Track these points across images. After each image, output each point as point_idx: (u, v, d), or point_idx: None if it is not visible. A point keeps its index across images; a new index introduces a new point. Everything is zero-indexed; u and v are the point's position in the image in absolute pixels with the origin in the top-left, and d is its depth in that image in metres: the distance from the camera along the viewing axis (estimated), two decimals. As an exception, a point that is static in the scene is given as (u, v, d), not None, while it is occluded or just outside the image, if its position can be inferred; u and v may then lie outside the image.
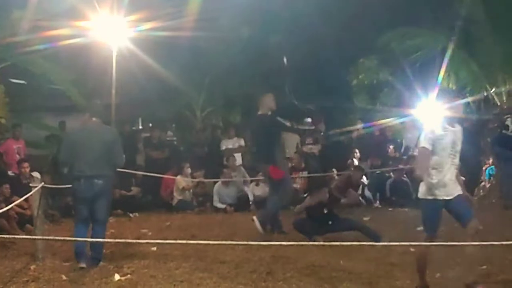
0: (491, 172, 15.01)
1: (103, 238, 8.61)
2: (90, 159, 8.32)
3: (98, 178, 8.30)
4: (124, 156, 9.01)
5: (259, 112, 10.77)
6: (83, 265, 8.05)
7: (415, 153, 16.84)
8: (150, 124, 19.76)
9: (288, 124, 11.76)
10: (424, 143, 6.42)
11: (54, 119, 18.79)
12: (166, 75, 16.72)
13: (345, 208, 10.92)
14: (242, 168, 16.18)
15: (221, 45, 17.68)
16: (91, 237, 8.35)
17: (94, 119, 8.69)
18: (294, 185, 15.30)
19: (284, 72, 19.13)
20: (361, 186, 14.51)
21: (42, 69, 15.77)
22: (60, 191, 12.43)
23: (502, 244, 7.01)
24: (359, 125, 18.20)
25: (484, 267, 7.54)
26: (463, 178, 15.01)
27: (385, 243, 8.78)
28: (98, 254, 8.34)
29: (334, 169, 15.26)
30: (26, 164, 13.16)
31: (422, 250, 6.67)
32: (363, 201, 14.42)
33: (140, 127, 21.21)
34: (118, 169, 9.17)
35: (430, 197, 6.42)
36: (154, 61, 16.08)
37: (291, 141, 17.04)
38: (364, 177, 14.77)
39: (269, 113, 10.72)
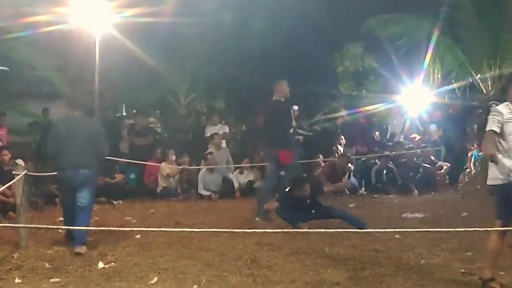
0: (476, 159, 15.08)
1: (88, 223, 8.74)
2: (75, 150, 8.53)
3: (84, 168, 8.54)
4: (107, 145, 9.15)
5: (274, 98, 11.10)
6: (80, 250, 8.15)
7: (401, 139, 16.97)
8: (134, 111, 19.69)
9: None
10: (492, 126, 6.23)
11: (37, 106, 18.70)
12: (150, 61, 16.68)
13: (330, 194, 10.94)
14: (227, 150, 16.18)
15: (203, 30, 17.62)
16: (76, 223, 8.41)
17: (75, 112, 8.95)
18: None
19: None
20: (347, 173, 14.58)
21: (25, 55, 15.72)
22: (43, 179, 12.39)
23: (486, 230, 7.07)
24: (344, 112, 18.23)
25: (469, 253, 7.59)
26: (448, 164, 15.20)
27: (370, 230, 8.82)
28: (82, 238, 8.40)
29: (319, 156, 15.30)
30: (5, 152, 13.06)
31: (496, 239, 6.32)
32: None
33: (124, 113, 21.12)
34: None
35: (506, 182, 6.13)
36: (137, 47, 16.03)
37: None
38: (349, 164, 14.83)
39: (283, 99, 11.06)
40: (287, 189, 9.95)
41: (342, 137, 16.59)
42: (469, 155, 15.04)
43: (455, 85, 15.09)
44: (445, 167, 15.54)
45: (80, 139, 8.62)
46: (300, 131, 12.45)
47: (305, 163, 14.42)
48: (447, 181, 15.31)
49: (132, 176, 15.57)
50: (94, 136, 8.81)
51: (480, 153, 14.12)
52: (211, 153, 15.31)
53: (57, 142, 8.64)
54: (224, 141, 16.34)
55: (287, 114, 11.01)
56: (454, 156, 15.29)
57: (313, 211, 9.74)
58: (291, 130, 11.27)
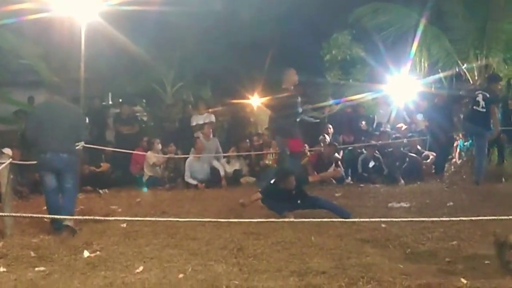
0: (462, 148, 15.14)
1: (73, 207, 9.04)
2: (55, 135, 8.69)
3: (63, 153, 8.74)
4: (87, 132, 9.28)
5: (283, 86, 11.26)
6: (69, 223, 8.42)
7: (387, 129, 17.00)
8: (120, 100, 19.63)
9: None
10: None
11: (23, 94, 18.63)
12: (136, 50, 16.59)
13: (317, 184, 10.96)
14: (216, 140, 16.16)
15: (191, 19, 17.56)
16: (62, 207, 8.69)
17: (55, 97, 9.13)
18: (266, 161, 15.45)
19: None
20: (334, 162, 14.61)
21: (10, 43, 15.57)
22: (28, 167, 12.34)
23: (471, 220, 7.12)
24: (331, 101, 18.24)
25: (454, 242, 7.62)
26: (434, 154, 15.25)
27: (356, 220, 8.84)
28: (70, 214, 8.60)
29: (305, 145, 15.31)
30: (-10, 141, 13.09)
31: None
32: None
33: (110, 102, 21.06)
34: (87, 145, 9.33)
35: None
36: (123, 35, 15.93)
37: (262, 116, 17.07)
38: (336, 153, 14.87)
39: (292, 87, 11.24)
40: (272, 181, 9.98)
41: (330, 126, 16.61)
42: (455, 145, 15.11)
43: (441, 75, 15.15)
44: (431, 156, 15.60)
45: (60, 124, 8.77)
46: (306, 118, 12.48)
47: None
48: (433, 171, 15.35)
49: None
50: (74, 122, 9.00)
51: (466, 143, 14.20)
52: (198, 138, 15.29)
53: (37, 126, 8.78)
54: (208, 123, 16.27)
55: (296, 102, 11.08)
56: (440, 146, 15.32)
57: (299, 201, 9.76)
58: (298, 118, 11.36)
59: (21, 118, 16.38)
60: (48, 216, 8.89)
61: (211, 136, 15.94)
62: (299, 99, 11.49)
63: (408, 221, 8.83)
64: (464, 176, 13.58)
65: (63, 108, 9.02)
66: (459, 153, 14.30)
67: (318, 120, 14.37)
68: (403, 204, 10.89)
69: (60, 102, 9.05)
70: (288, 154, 11.24)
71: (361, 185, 14.23)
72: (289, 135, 11.03)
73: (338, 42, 22.80)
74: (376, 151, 15.24)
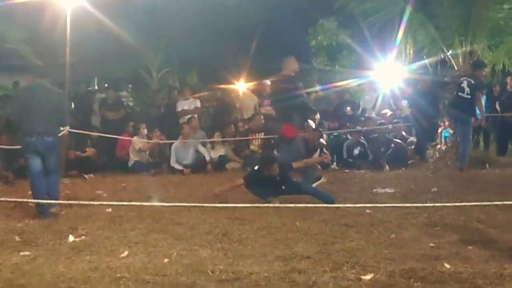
0: (446, 135, 15.20)
1: (57, 191, 9.14)
2: (39, 118, 8.73)
3: (48, 136, 8.81)
4: (70, 116, 9.33)
5: (283, 72, 11.12)
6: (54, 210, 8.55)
7: (372, 115, 17.03)
8: (106, 85, 19.55)
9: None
10: None
11: (8, 78, 18.55)
12: (122, 34, 16.51)
13: (301, 169, 10.96)
14: (202, 131, 16.13)
15: (178, 5, 17.49)
16: (46, 190, 8.78)
17: (38, 80, 9.19)
18: (251, 147, 15.44)
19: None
20: (319, 148, 14.62)
21: (-5, 27, 15.52)
22: (14, 152, 12.30)
23: (455, 206, 7.15)
24: (317, 87, 18.26)
25: (438, 228, 7.66)
26: (414, 139, 15.32)
27: (341, 205, 8.87)
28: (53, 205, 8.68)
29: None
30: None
31: None
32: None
33: (96, 87, 20.97)
34: (73, 130, 9.34)
35: None
36: (110, 20, 15.85)
37: (248, 102, 17.04)
38: (321, 139, 14.89)
39: (293, 74, 11.11)
40: (256, 167, 9.98)
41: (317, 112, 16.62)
42: (439, 131, 15.17)
43: (427, 61, 15.19)
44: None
45: (43, 107, 8.82)
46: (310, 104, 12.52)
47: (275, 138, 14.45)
48: (418, 157, 15.40)
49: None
50: (57, 105, 9.06)
51: (451, 131, 14.27)
52: (185, 123, 15.26)
53: (21, 110, 8.85)
54: (196, 116, 16.20)
55: (295, 89, 11.05)
56: (424, 132, 15.37)
57: (283, 187, 9.76)
58: (302, 104, 11.34)
59: (6, 103, 16.31)
60: (33, 200, 8.86)
61: (198, 127, 15.88)
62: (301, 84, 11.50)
63: (393, 206, 8.85)
64: (448, 162, 13.64)
65: (46, 92, 9.05)
66: (445, 140, 14.38)
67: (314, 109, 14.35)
68: (388, 190, 10.93)
69: (42, 85, 9.09)
70: (283, 139, 11.21)
71: (346, 170, 14.27)
72: (286, 119, 11.00)
73: (324, 28, 22.83)
74: (361, 137, 15.28)
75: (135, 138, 15.12)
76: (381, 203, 9.36)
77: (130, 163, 15.07)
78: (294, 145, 10.96)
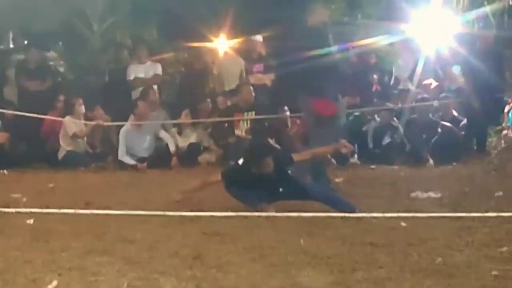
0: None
1: None
2: None
3: None
4: None
5: (309, 24, 11.84)
6: None
7: (410, 87, 17.04)
8: (26, 42, 19.51)
9: None
10: None
11: None
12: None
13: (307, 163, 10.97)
14: (164, 110, 16.14)
15: None
16: None
17: None
18: (236, 132, 15.39)
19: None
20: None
21: None
22: None
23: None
24: (332, 47, 18.28)
25: (505, 248, 7.67)
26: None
27: (364, 215, 8.89)
28: None
29: (285, 109, 15.24)
30: None
31: None
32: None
33: (11, 45, 20.96)
34: None
35: None
36: None
37: (232, 68, 16.98)
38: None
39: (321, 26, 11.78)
40: (240, 161, 9.81)
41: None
42: (505, 110, 15.16)
43: (488, 9, 15.21)
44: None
45: None
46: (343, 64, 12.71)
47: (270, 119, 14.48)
48: (475, 147, 15.42)
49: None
50: None
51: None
52: (140, 98, 15.27)
53: None
54: (155, 87, 16.18)
55: (329, 41, 11.52)
56: (484, 111, 15.35)
57: (281, 189, 9.65)
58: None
59: None
60: None
61: (158, 104, 15.90)
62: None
63: (439, 217, 8.88)
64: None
65: None
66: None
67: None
68: (432, 194, 10.96)
69: None
70: (315, 117, 11.23)
71: (372, 166, 14.33)
72: (316, 93, 11.03)
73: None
74: (394, 119, 15.29)
75: (67, 119, 15.08)
76: (422, 213, 9.39)
77: (61, 155, 15.05)
78: (336, 126, 11.03)
